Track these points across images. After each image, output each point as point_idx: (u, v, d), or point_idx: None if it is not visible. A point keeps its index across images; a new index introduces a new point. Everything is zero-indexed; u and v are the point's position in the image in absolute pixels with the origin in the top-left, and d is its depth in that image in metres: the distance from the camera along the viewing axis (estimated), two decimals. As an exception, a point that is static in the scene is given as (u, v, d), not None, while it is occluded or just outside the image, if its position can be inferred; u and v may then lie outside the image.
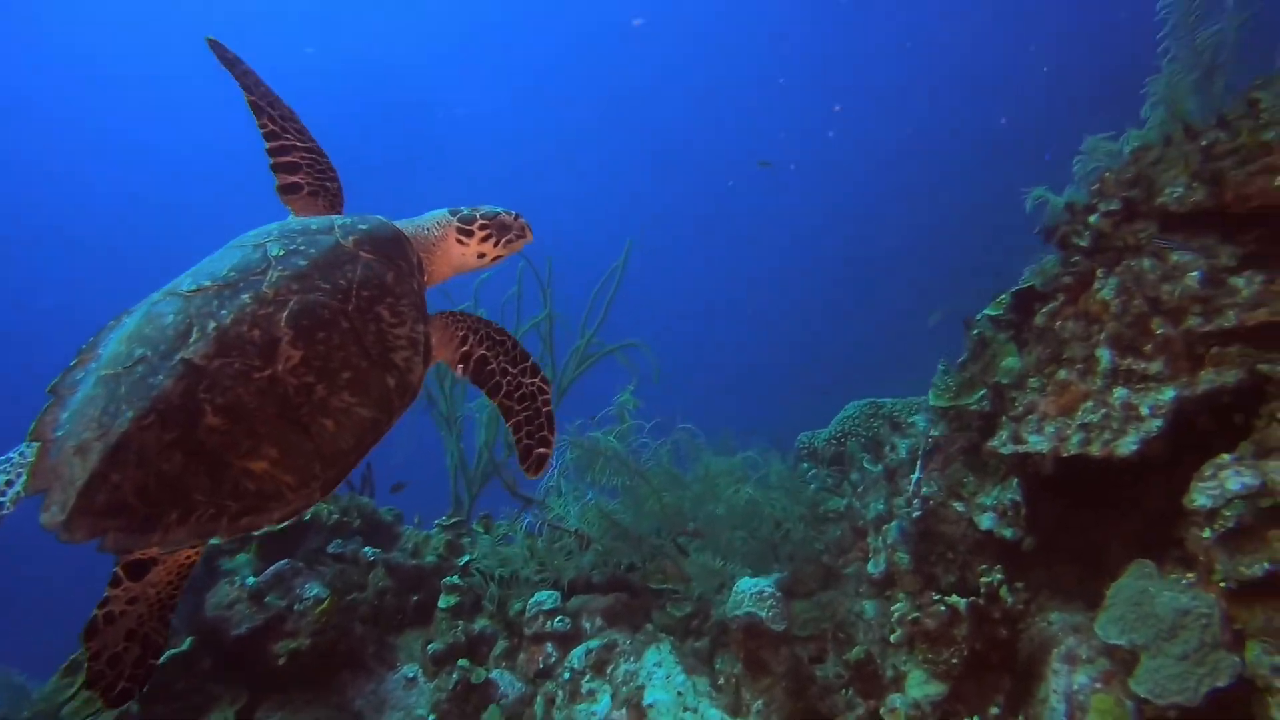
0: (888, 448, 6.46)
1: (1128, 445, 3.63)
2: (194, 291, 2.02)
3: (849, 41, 30.86)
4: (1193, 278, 3.73)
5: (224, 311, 1.98)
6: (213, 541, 1.97)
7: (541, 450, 2.57)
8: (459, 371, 2.59)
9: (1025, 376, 4.23)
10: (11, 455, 1.93)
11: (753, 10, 30.65)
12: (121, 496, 1.80)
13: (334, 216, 2.39)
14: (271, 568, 5.60)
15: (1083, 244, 4.27)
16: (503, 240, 2.67)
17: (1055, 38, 25.97)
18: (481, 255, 2.68)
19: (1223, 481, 3.34)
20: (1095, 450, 3.72)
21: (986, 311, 5.45)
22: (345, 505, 6.99)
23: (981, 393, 5.11)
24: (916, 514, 4.62)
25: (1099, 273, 4.11)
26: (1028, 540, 4.43)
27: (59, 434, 1.90)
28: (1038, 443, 3.96)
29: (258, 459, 1.95)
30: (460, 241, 2.63)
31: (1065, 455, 3.80)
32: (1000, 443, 4.11)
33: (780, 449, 10.85)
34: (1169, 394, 3.66)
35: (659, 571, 6.08)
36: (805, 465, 9.32)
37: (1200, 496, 3.37)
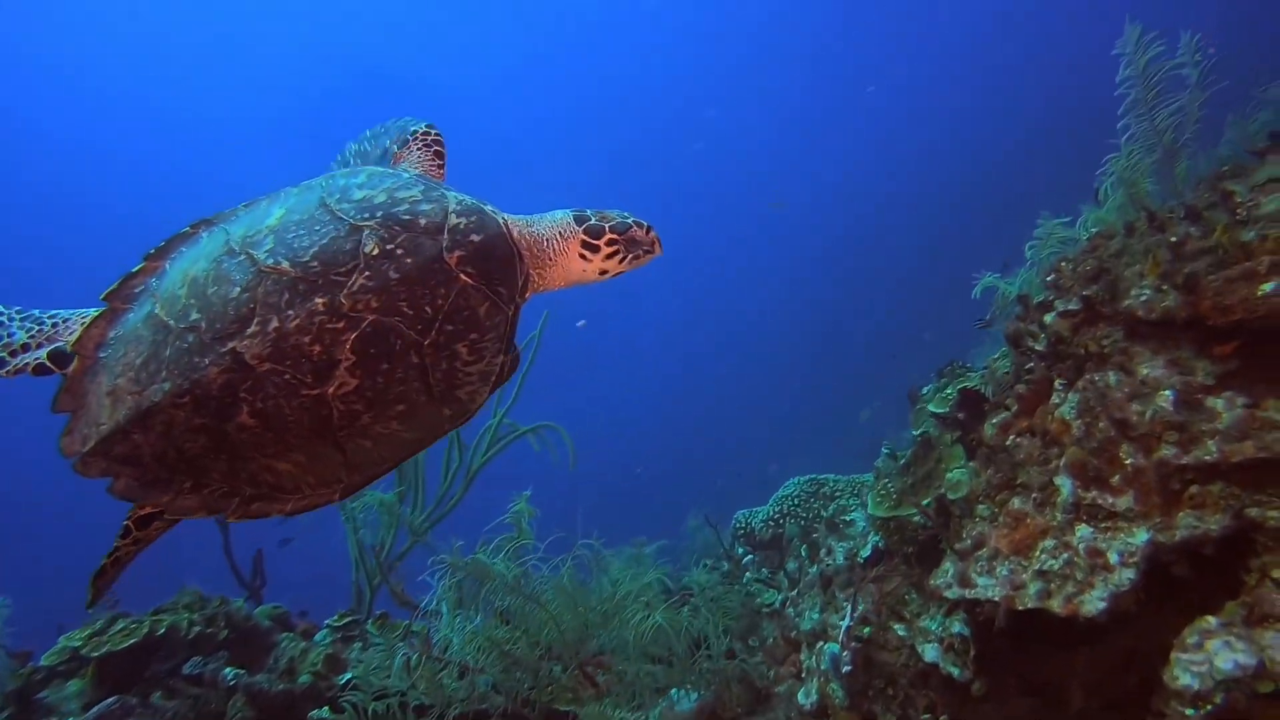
0: (824, 550, 5.81)
1: (1094, 603, 3.03)
2: (270, 269, 1.90)
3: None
4: (1165, 397, 3.17)
5: (291, 311, 1.87)
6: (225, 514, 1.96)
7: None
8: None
9: (974, 501, 3.61)
10: (44, 319, 2.02)
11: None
12: (139, 454, 1.84)
13: (449, 200, 2.11)
14: (94, 710, 4.66)
15: (1038, 348, 3.70)
16: (630, 257, 2.37)
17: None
18: (604, 272, 2.38)
19: (1211, 657, 2.75)
20: (1056, 606, 3.12)
21: (931, 407, 4.87)
22: (211, 613, 6.07)
23: (926, 502, 4.50)
24: (847, 667, 3.94)
25: (1057, 384, 3.54)
26: (977, 684, 3.80)
27: (102, 356, 1.90)
28: (988, 587, 3.34)
29: (283, 461, 1.93)
30: (584, 256, 2.34)
31: (1021, 609, 3.16)
32: (944, 583, 3.48)
33: (721, 522, 10.23)
34: (1141, 537, 3.07)
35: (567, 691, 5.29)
36: (740, 550, 8.66)
37: (1184, 675, 2.77)
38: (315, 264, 1.89)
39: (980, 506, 3.59)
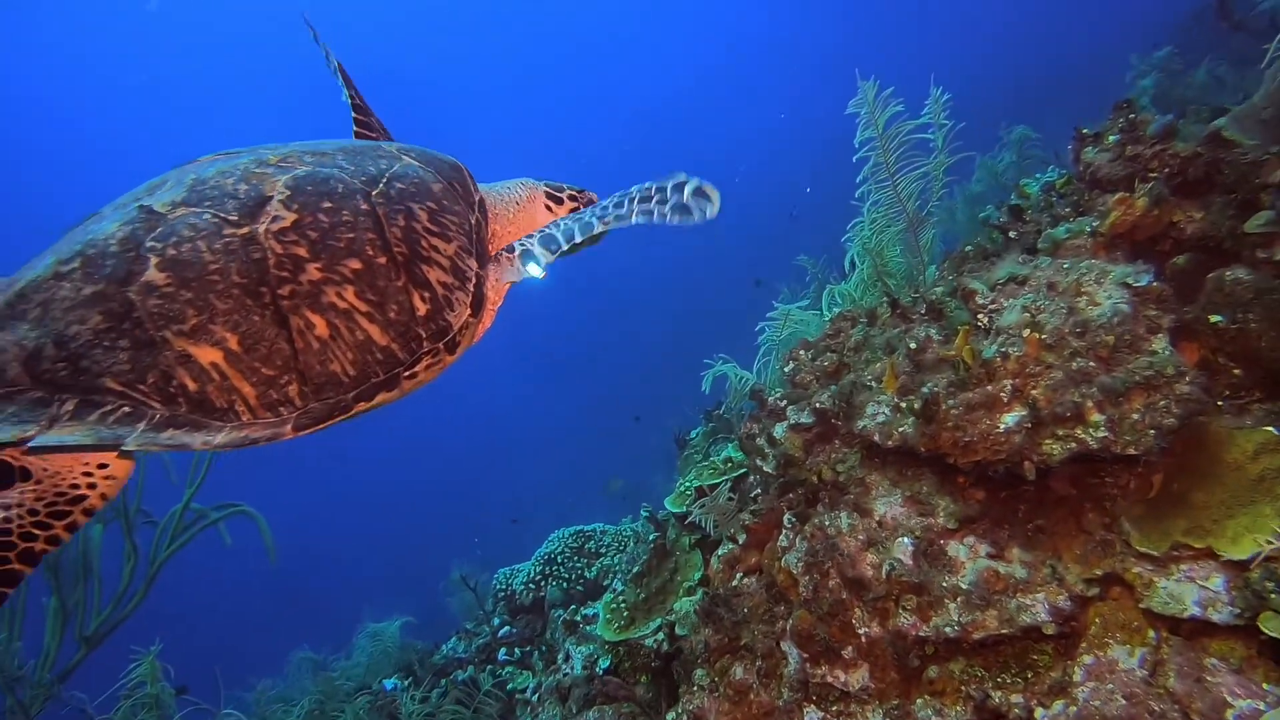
0: (561, 656, 5.01)
1: (820, 826, 2.36)
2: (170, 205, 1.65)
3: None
4: (903, 548, 2.58)
5: (209, 170, 1.70)
6: (124, 442, 1.46)
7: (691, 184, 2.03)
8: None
9: (691, 664, 2.89)
10: None
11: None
12: (3, 364, 1.44)
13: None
14: None
15: (767, 469, 3.05)
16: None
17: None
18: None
19: None
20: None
21: (668, 504, 4.16)
22: None
23: (656, 624, 3.78)
24: None
25: (786, 519, 2.88)
26: None
27: None
28: (704, 789, 2.60)
29: (206, 346, 1.53)
30: (549, 208, 2.36)
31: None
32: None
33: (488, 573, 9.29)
34: (875, 728, 2.45)
35: None
36: (496, 621, 7.75)
37: None
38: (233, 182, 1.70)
39: (698, 672, 2.88)
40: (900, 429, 2.72)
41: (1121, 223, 2.78)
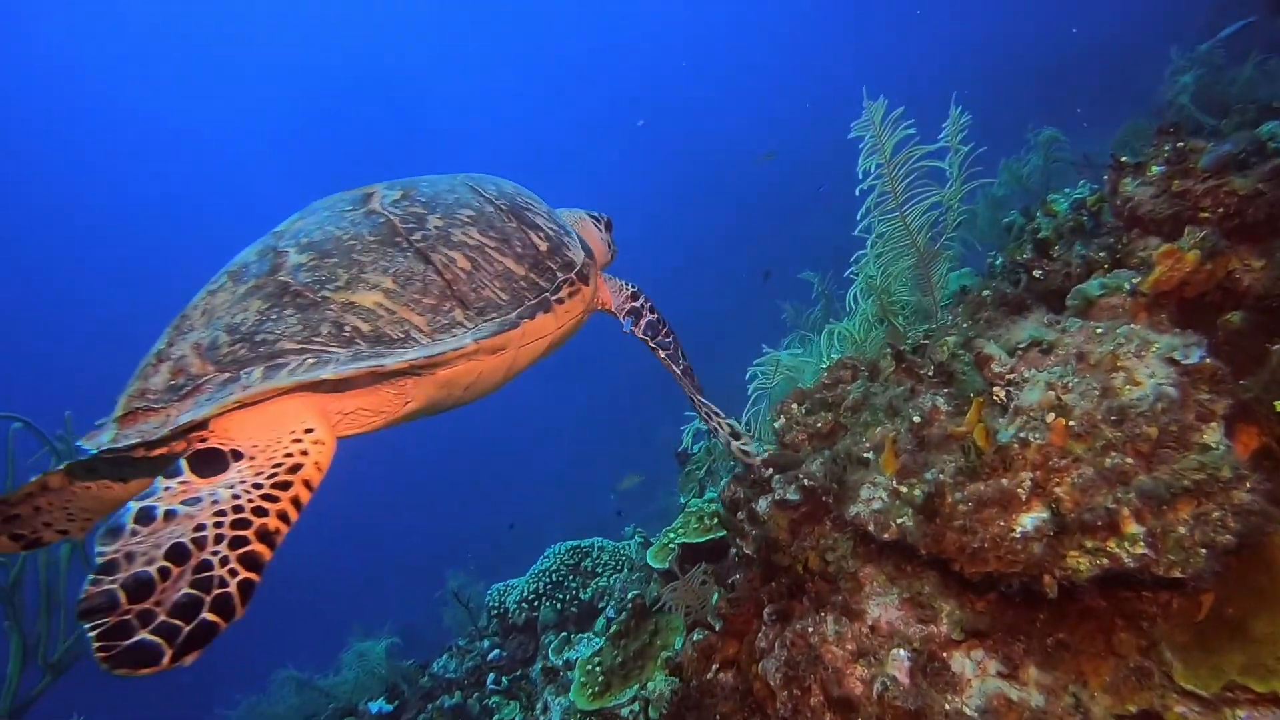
0: (540, 707, 4.67)
1: None
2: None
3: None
4: (898, 662, 2.21)
5: (312, 206, 1.99)
6: (325, 375, 1.55)
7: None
8: (629, 325, 2.66)
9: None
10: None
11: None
12: (185, 366, 1.59)
13: None
14: None
15: (748, 550, 2.67)
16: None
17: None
18: (606, 250, 2.78)
19: None
20: None
21: (650, 560, 3.79)
22: None
23: (632, 693, 3.43)
24: None
25: (767, 612, 2.50)
26: None
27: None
28: None
29: (363, 288, 1.68)
30: (595, 227, 2.72)
31: None
32: None
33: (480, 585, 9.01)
34: None
35: None
36: (486, 644, 7.44)
37: None
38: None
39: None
40: (898, 521, 2.32)
41: (1167, 280, 2.34)
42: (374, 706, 7.18)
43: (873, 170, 2.93)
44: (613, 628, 3.94)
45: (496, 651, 7.23)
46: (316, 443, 1.60)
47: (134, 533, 1.37)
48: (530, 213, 2.17)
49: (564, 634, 6.54)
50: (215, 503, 1.44)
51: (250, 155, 35.23)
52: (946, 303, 3.36)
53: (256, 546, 1.43)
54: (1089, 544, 2.01)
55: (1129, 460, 2.03)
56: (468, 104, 36.42)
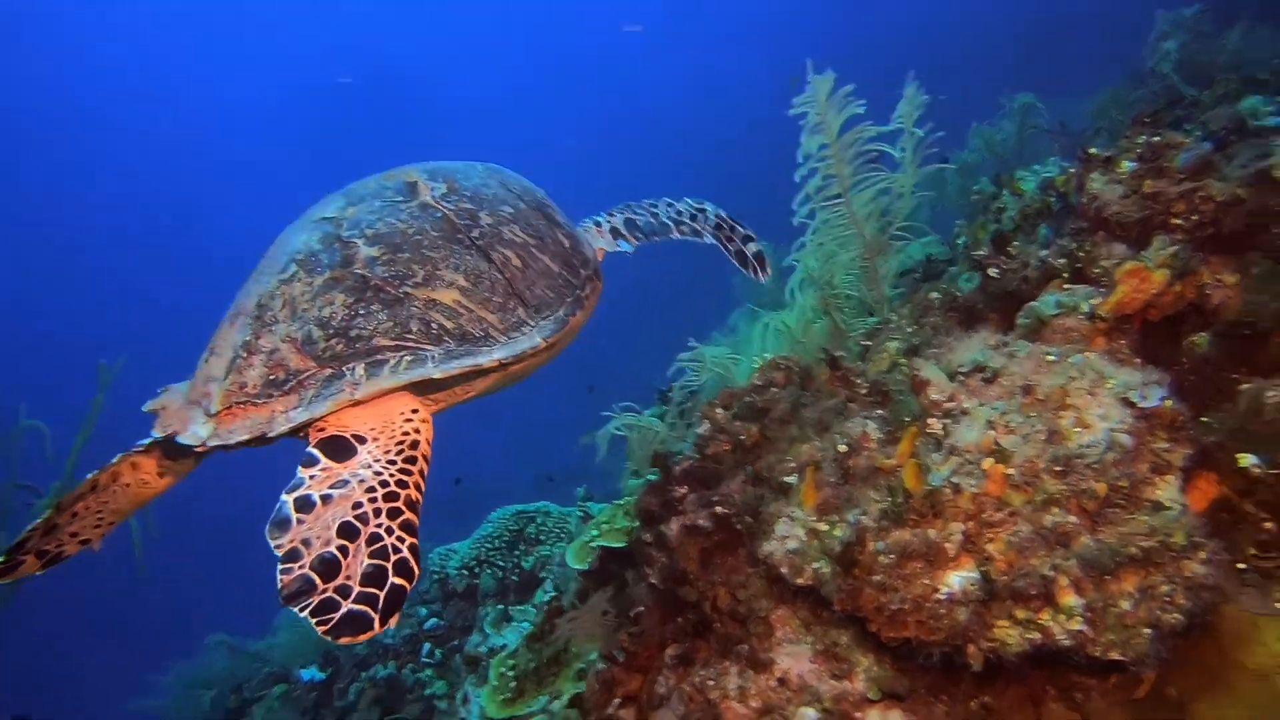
0: (460, 697, 4.47)
1: None
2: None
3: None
4: (806, 723, 1.94)
5: (348, 189, 2.00)
6: (428, 374, 1.67)
7: (753, 247, 2.63)
8: (625, 246, 2.63)
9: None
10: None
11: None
12: (282, 360, 1.65)
13: None
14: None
15: (654, 580, 2.40)
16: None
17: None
18: (610, 243, 2.69)
19: None
20: None
21: (570, 560, 3.55)
22: None
23: (543, 702, 3.22)
24: None
25: (669, 654, 2.25)
26: None
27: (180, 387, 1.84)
28: None
29: (441, 286, 1.76)
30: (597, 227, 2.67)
31: None
32: None
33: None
34: None
35: None
36: (424, 611, 7.23)
37: None
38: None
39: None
40: (814, 566, 2.06)
41: (1130, 302, 2.05)
42: (306, 674, 6.97)
43: (815, 152, 2.59)
44: (529, 629, 3.71)
45: (434, 620, 7.02)
46: (424, 421, 1.75)
47: (300, 521, 1.50)
48: (551, 209, 2.22)
49: (500, 607, 6.34)
50: (363, 481, 1.57)
51: (246, 148, 34.39)
52: (895, 294, 3.06)
53: (409, 515, 1.57)
54: (1020, 614, 1.76)
55: (1072, 519, 1.77)
56: (467, 91, 35.52)
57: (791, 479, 2.34)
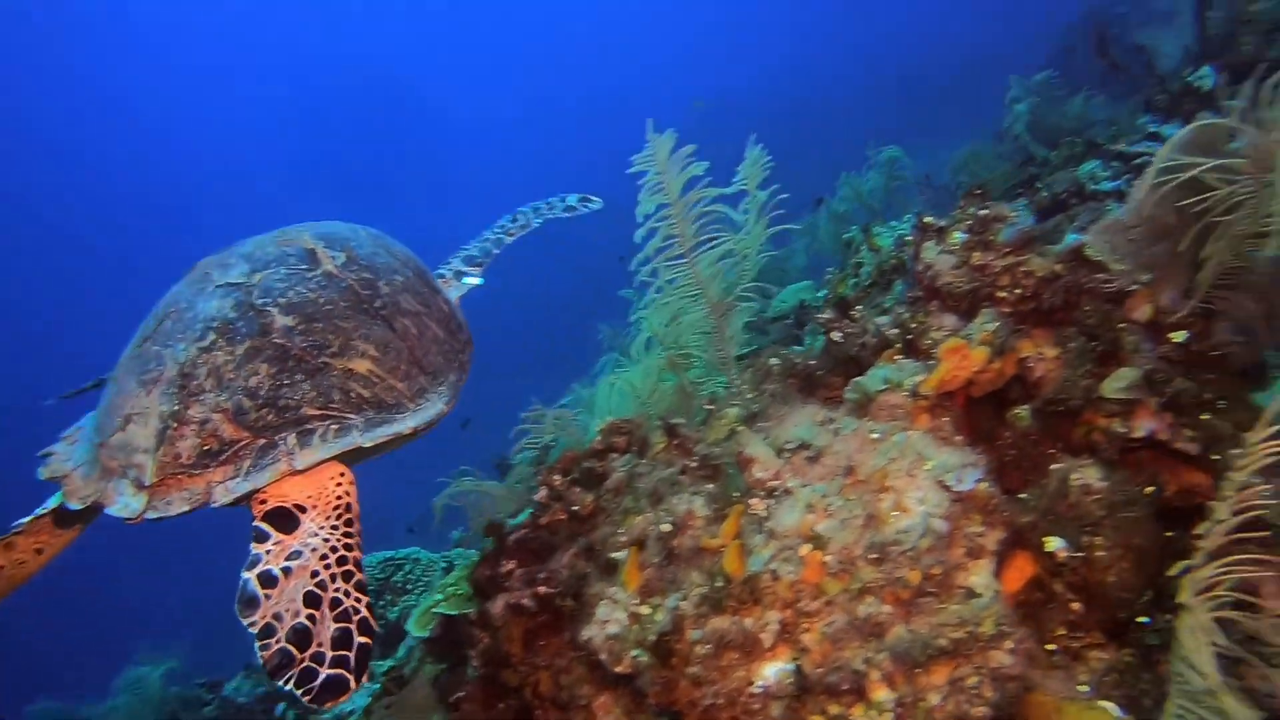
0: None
1: None
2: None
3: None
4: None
5: (243, 249, 2.02)
6: (356, 442, 1.76)
7: (572, 198, 2.73)
8: (472, 279, 2.62)
9: None
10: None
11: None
12: (215, 431, 1.68)
13: None
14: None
15: (475, 661, 2.23)
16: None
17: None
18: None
19: None
20: None
21: (412, 628, 3.35)
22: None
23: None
24: None
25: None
26: None
27: (84, 441, 1.84)
28: None
29: (356, 355, 1.82)
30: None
31: None
32: None
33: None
34: None
35: None
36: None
37: None
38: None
39: None
40: (632, 655, 1.94)
41: (951, 379, 2.05)
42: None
43: (654, 212, 2.52)
44: (369, 702, 3.46)
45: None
46: (350, 483, 1.84)
47: (267, 596, 1.58)
48: (429, 275, 2.33)
49: None
50: (315, 550, 1.67)
51: (239, 149, 33.29)
52: (742, 352, 3.01)
53: (359, 574, 1.69)
54: (832, 709, 1.69)
55: (886, 609, 1.72)
56: (460, 94, 34.96)
57: (621, 555, 2.22)
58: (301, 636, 1.55)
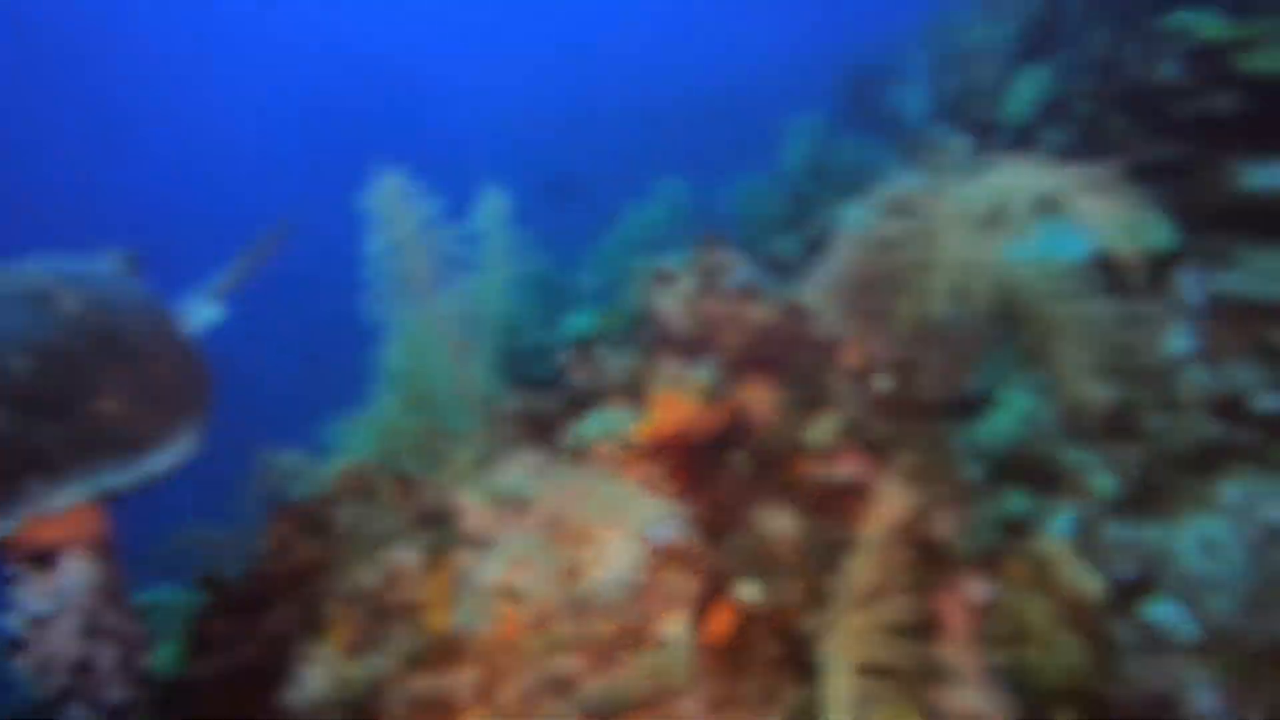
0: None
1: None
2: None
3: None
4: None
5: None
6: (111, 484, 1.77)
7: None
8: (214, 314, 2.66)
9: None
10: None
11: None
12: None
13: None
14: None
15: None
16: None
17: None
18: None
19: None
20: None
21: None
22: None
23: None
24: None
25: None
26: None
27: None
28: None
29: (104, 398, 1.80)
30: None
31: None
32: None
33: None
34: None
35: None
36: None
37: None
38: None
39: None
40: (335, 718, 1.82)
41: (664, 426, 2.11)
42: None
43: (385, 252, 2.44)
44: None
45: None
46: (103, 517, 1.87)
47: (39, 638, 1.66)
48: (167, 312, 2.32)
49: None
50: (76, 585, 1.74)
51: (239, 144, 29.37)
52: (494, 392, 2.97)
53: (122, 599, 1.82)
54: (524, 769, 1.67)
55: (579, 663, 1.73)
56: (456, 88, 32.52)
57: (335, 610, 2.11)
58: (80, 668, 1.63)
